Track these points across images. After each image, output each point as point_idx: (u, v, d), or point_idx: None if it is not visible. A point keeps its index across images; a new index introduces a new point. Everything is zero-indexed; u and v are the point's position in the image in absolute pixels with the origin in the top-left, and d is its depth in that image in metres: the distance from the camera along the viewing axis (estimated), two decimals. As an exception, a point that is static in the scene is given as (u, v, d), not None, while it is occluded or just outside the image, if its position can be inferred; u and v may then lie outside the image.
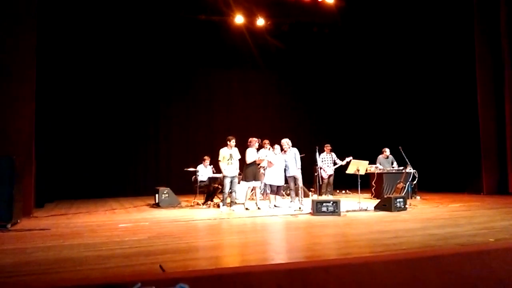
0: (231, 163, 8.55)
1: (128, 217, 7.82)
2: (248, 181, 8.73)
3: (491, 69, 11.18)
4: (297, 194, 8.80)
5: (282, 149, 9.05)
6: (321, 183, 10.13)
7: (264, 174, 9.24)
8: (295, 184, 8.91)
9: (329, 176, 10.68)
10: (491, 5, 11.16)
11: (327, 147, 10.92)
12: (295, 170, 8.84)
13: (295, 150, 9.02)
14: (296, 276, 3.55)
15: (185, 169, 10.30)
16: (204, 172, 10.09)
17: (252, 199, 9.98)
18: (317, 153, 9.18)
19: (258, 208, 8.65)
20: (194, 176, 10.09)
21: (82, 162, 12.39)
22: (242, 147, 8.88)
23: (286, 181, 9.20)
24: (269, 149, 9.65)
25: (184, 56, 13.45)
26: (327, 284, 3.59)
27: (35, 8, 8.44)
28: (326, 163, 10.68)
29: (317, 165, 9.46)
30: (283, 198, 10.11)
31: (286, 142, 9.00)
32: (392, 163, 10.81)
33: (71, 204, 10.47)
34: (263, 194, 10.27)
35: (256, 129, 12.28)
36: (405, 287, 3.70)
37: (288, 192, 10.77)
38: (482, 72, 11.20)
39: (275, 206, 8.87)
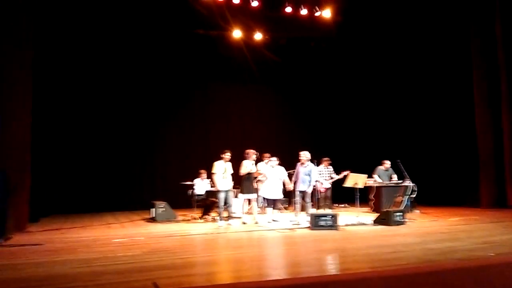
0: (226, 177, 8.47)
1: (123, 232, 7.72)
2: (245, 193, 8.65)
3: (488, 82, 11.20)
4: (303, 209, 8.56)
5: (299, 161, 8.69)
6: (318, 196, 10.03)
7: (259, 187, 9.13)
8: (304, 199, 8.53)
9: (326, 189, 10.58)
10: (486, 16, 11.23)
11: (326, 160, 10.85)
12: (307, 185, 8.48)
13: (312, 165, 8.63)
14: (293, 293, 3.48)
15: (181, 183, 10.23)
16: (201, 185, 10.02)
17: (250, 213, 9.90)
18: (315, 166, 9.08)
19: (256, 223, 8.53)
20: (190, 190, 10.01)
21: (78, 176, 12.27)
22: (239, 160, 8.80)
23: (285, 195, 9.01)
24: (266, 162, 9.60)
25: (182, 70, 13.46)
26: (325, 301, 3.51)
27: (32, 20, 8.45)
28: (324, 176, 10.61)
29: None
30: (281, 212, 9.97)
31: (303, 154, 8.62)
32: (391, 177, 10.75)
33: (66, 218, 10.35)
34: (261, 208, 10.14)
35: (253, 143, 12.20)
36: (404, 304, 3.62)
37: (286, 206, 10.71)
38: (479, 84, 11.22)
39: (273, 220, 8.72)
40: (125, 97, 13.06)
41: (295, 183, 8.68)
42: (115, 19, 11.48)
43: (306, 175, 8.46)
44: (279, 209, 9.60)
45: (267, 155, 9.76)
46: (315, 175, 8.64)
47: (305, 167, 8.51)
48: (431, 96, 12.82)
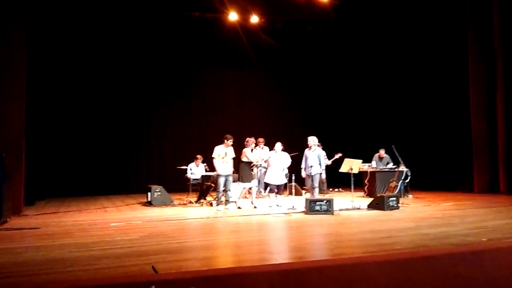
0: (226, 162, 8.46)
1: (119, 216, 7.75)
2: (244, 181, 8.69)
3: (484, 69, 11.22)
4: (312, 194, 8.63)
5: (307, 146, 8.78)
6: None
7: (256, 174, 9.15)
8: (312, 183, 8.64)
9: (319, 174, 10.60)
10: (484, 3, 11.19)
11: (318, 145, 10.88)
12: (313, 169, 8.54)
13: (319, 150, 8.82)
14: (289, 277, 3.53)
15: (177, 167, 10.24)
16: (196, 170, 10.05)
17: (246, 197, 9.95)
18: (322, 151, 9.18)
19: (254, 207, 8.57)
20: (185, 175, 10.04)
21: (73, 159, 12.26)
22: (236, 146, 8.81)
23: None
24: (262, 148, 9.62)
25: (177, 54, 13.35)
26: (320, 285, 3.58)
27: (25, 5, 8.30)
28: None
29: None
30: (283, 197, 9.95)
31: (311, 139, 8.72)
32: (387, 164, 10.82)
33: (62, 202, 10.36)
34: (258, 193, 10.19)
35: (249, 127, 12.26)
36: (398, 287, 3.69)
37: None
38: (474, 71, 11.24)
39: (277, 205, 8.74)
40: (121, 82, 12.97)
41: (304, 168, 8.76)
42: (111, 3, 11.29)
43: (314, 159, 8.58)
44: (282, 194, 9.60)
45: (261, 139, 9.76)
46: (322, 159, 8.75)
47: (313, 151, 8.64)
48: (427, 83, 12.83)
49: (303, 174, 8.91)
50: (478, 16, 11.21)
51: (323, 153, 10.83)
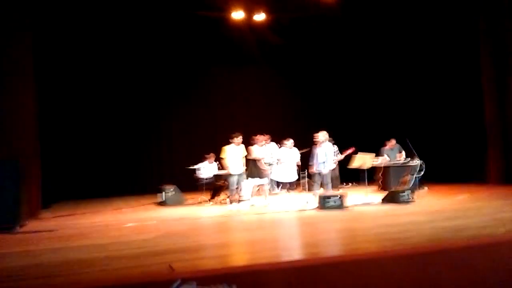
0: (237, 161, 8.45)
1: (134, 216, 7.82)
2: (253, 177, 8.67)
3: (495, 56, 11.02)
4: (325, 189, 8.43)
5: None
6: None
7: (269, 171, 9.11)
8: (322, 179, 8.41)
9: (332, 170, 10.53)
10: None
11: (330, 140, 10.81)
12: (322, 165, 8.33)
13: (329, 145, 8.56)
14: (306, 274, 3.53)
15: (186, 168, 10.26)
16: (209, 168, 10.07)
17: (259, 195, 9.96)
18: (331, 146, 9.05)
19: (268, 205, 8.53)
20: (195, 174, 10.06)
21: (87, 161, 12.39)
22: (245, 143, 8.79)
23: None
24: (263, 144, 9.40)
25: (184, 54, 13.37)
26: (337, 281, 3.57)
27: (31, 9, 8.38)
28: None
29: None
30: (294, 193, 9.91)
31: (320, 135, 8.46)
32: (399, 154, 10.68)
33: (77, 204, 10.48)
34: (270, 190, 10.17)
35: (258, 125, 12.22)
36: (415, 282, 3.67)
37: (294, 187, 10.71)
38: (486, 59, 11.04)
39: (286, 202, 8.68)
40: (130, 83, 13.07)
41: (313, 165, 8.61)
42: (118, 3, 11.34)
43: (323, 156, 8.36)
44: (293, 190, 9.58)
45: (267, 137, 9.63)
46: (331, 155, 8.50)
47: (322, 148, 8.42)
48: (438, 73, 12.67)
49: (313, 170, 8.74)
50: (489, 2, 11.01)
51: (335, 148, 10.78)
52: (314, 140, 8.54)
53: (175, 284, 1.44)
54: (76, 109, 12.39)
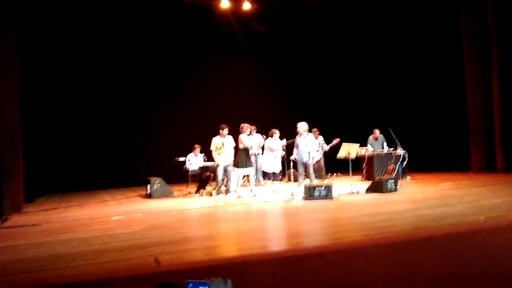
0: (224, 152, 8.48)
1: (120, 209, 7.78)
2: (240, 167, 8.69)
3: (479, 48, 11.18)
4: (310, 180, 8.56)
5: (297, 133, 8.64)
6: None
7: (254, 162, 9.14)
8: (305, 170, 8.55)
9: (317, 161, 10.65)
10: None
11: (314, 131, 10.91)
12: (306, 155, 8.44)
13: (311, 135, 8.65)
14: (290, 264, 3.56)
15: (175, 159, 10.24)
16: (195, 161, 10.06)
17: (245, 186, 9.99)
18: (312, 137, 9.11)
19: (254, 196, 8.59)
20: (184, 166, 10.05)
21: (71, 154, 12.25)
22: (233, 134, 8.80)
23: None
24: (249, 133, 9.39)
25: (170, 44, 13.24)
26: (321, 270, 3.61)
27: (15, 3, 8.21)
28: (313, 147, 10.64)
29: None
30: (279, 183, 10.03)
31: (300, 125, 8.56)
32: (383, 144, 10.86)
33: (62, 197, 10.39)
34: (256, 181, 10.22)
35: (245, 115, 12.21)
36: (399, 270, 3.74)
37: (280, 177, 10.78)
38: (469, 50, 11.22)
39: (273, 192, 8.77)
40: (115, 75, 12.91)
41: (296, 155, 8.71)
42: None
43: (305, 146, 8.47)
44: (278, 181, 9.65)
45: (252, 127, 9.62)
46: (312, 145, 8.59)
47: (304, 138, 8.51)
48: (422, 64, 12.81)
49: (294, 158, 8.78)
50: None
51: (321, 138, 10.86)
52: (297, 130, 8.61)
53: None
54: (62, 101, 12.21)
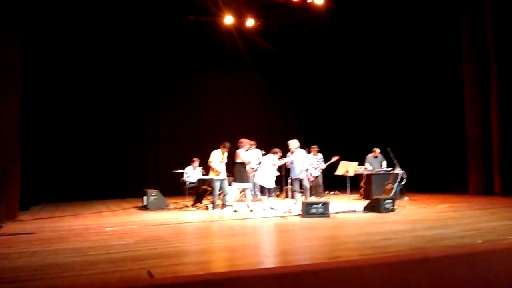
0: (222, 166, 8.48)
1: (115, 220, 7.71)
2: (238, 182, 8.66)
3: (478, 70, 11.25)
4: (305, 196, 8.59)
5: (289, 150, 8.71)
6: (310, 184, 10.07)
7: (251, 177, 9.11)
8: (301, 187, 8.57)
9: (316, 177, 10.64)
10: (478, 3, 11.24)
11: (314, 148, 10.94)
12: (301, 172, 8.48)
13: (303, 151, 8.74)
14: (286, 281, 3.52)
15: (173, 171, 10.21)
16: (193, 173, 10.03)
17: (242, 200, 9.93)
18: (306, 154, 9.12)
19: (251, 210, 8.55)
20: (182, 178, 10.01)
21: (68, 164, 12.19)
22: (233, 150, 8.80)
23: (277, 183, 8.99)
24: (248, 148, 9.39)
25: (173, 58, 13.33)
26: (317, 288, 3.57)
27: (19, 6, 8.26)
28: (312, 164, 10.66)
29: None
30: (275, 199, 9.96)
31: (290, 143, 8.67)
32: (381, 164, 10.84)
33: (57, 206, 10.31)
34: (253, 196, 10.16)
35: (245, 130, 12.28)
36: (395, 290, 3.69)
37: (278, 193, 10.73)
38: (468, 72, 11.28)
39: (271, 208, 8.73)
40: (115, 85, 12.93)
41: (290, 171, 8.73)
42: (106, 6, 11.27)
43: (299, 162, 8.50)
44: (273, 197, 9.58)
45: (252, 142, 9.63)
46: (306, 162, 8.64)
47: (297, 155, 8.56)
48: (422, 85, 12.89)
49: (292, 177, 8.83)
50: (472, 16, 11.24)
51: (320, 156, 10.87)
52: (289, 147, 8.68)
53: None
54: (60, 110, 12.20)
